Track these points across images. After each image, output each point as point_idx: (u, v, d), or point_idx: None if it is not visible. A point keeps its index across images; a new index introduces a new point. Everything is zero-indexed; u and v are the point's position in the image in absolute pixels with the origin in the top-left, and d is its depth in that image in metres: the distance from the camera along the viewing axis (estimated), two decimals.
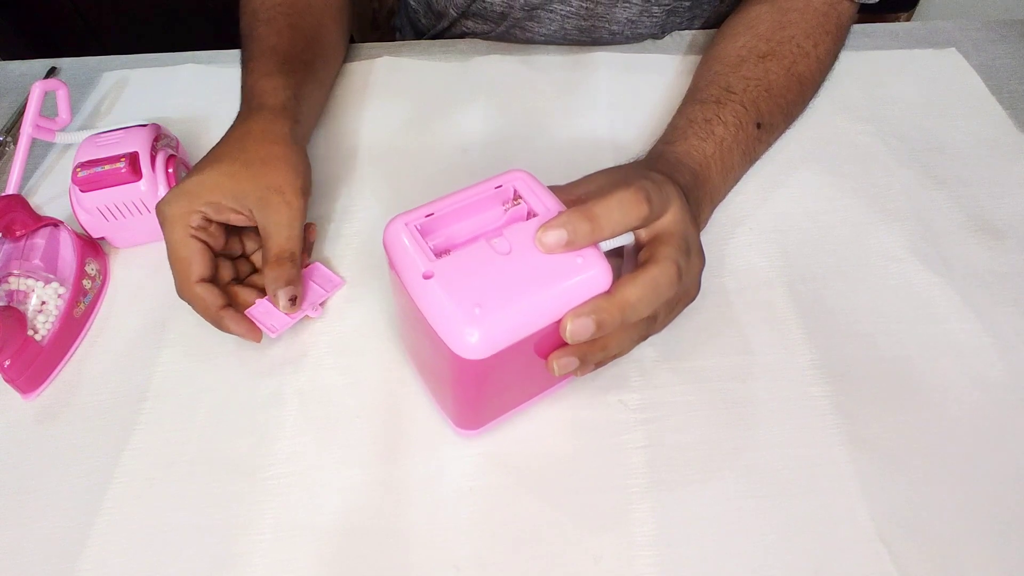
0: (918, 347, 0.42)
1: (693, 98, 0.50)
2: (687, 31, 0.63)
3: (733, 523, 0.36)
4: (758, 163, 0.51)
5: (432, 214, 0.33)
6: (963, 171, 0.51)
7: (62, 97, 0.54)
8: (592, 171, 0.39)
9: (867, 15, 0.56)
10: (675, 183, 0.38)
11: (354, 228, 0.49)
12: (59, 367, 0.43)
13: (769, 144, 0.51)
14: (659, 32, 0.62)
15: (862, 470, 0.37)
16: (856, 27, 0.57)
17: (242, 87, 0.49)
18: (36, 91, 0.52)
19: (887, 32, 0.63)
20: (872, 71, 0.58)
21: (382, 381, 0.41)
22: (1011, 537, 0.35)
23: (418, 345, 0.37)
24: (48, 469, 0.39)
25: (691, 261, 0.36)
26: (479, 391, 0.35)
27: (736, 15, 0.55)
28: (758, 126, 0.48)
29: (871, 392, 0.40)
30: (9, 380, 0.40)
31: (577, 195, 0.36)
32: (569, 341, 0.32)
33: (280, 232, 0.42)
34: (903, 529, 0.35)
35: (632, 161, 0.45)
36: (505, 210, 0.34)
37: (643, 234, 0.36)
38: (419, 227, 0.33)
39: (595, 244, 0.32)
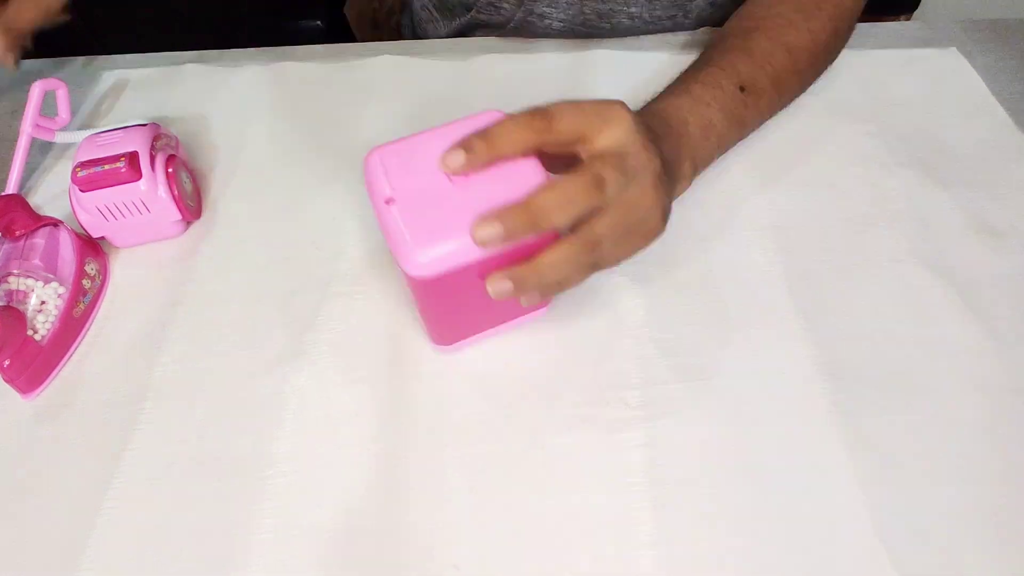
0: (918, 347, 0.42)
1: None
2: (688, 31, 0.63)
3: (733, 523, 0.36)
4: (758, 162, 0.51)
5: (405, 144, 0.36)
6: (964, 172, 0.51)
7: (62, 97, 0.54)
8: None
9: (867, 15, 0.56)
10: (628, 110, 0.37)
11: (353, 225, 0.49)
12: (59, 367, 0.43)
13: (760, 112, 0.50)
14: (681, 15, 0.62)
15: (862, 470, 0.37)
16: (857, 27, 0.57)
17: None
18: (36, 90, 0.52)
19: (888, 32, 0.63)
20: (872, 71, 0.58)
21: (382, 380, 0.41)
22: (1011, 537, 0.35)
23: None
24: (48, 469, 0.39)
25: (632, 181, 0.35)
26: (438, 306, 0.38)
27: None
28: (741, 89, 0.47)
29: (871, 392, 0.40)
30: (9, 380, 0.40)
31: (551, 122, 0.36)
32: (478, 244, 0.33)
33: None
34: (903, 529, 0.35)
35: None
36: None
37: (583, 154, 0.36)
38: (392, 156, 0.36)
39: (545, 175, 0.35)
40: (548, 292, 0.37)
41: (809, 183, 0.51)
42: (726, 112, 0.47)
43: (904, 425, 0.39)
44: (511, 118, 0.35)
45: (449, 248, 0.33)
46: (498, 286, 0.34)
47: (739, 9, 0.55)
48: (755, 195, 0.50)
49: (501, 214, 0.33)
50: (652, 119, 0.42)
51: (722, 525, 0.36)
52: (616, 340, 0.42)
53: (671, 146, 0.42)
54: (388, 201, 0.34)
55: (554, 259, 0.35)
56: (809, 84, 0.53)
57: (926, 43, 0.61)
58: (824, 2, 0.52)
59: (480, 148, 0.34)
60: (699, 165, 0.46)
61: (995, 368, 0.41)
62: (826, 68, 0.54)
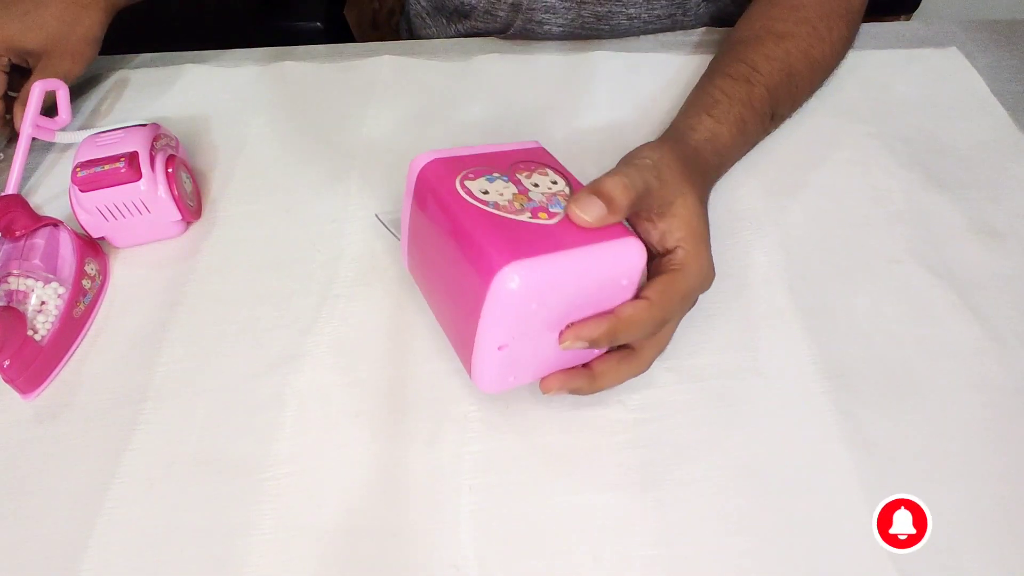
0: (918, 348, 0.42)
1: (723, 72, 0.49)
2: (693, 30, 0.63)
3: (733, 523, 0.36)
4: (760, 162, 0.51)
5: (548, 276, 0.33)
6: (964, 172, 0.51)
7: (62, 97, 0.54)
8: (592, 171, 0.39)
9: (868, 15, 0.56)
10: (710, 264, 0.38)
11: (354, 227, 0.49)
12: (59, 367, 0.43)
13: (769, 133, 0.51)
14: (680, 13, 0.62)
15: (862, 470, 0.37)
16: None
17: None
18: (36, 90, 0.52)
19: (889, 32, 0.63)
20: (873, 71, 0.58)
21: (382, 381, 0.41)
22: (1011, 537, 0.35)
23: (439, 291, 0.39)
24: (48, 469, 0.39)
25: (686, 307, 0.38)
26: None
27: (751, 4, 0.56)
28: (772, 117, 0.49)
29: (871, 392, 0.40)
30: (9, 380, 0.40)
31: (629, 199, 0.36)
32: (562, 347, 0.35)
33: None
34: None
35: (673, 143, 0.42)
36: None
37: (659, 249, 0.38)
38: (534, 287, 0.32)
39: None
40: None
41: (809, 183, 0.51)
42: (755, 143, 0.49)
43: (904, 425, 0.39)
44: (638, 314, 0.35)
45: (519, 383, 0.36)
46: (554, 391, 0.37)
47: (763, 5, 0.54)
48: (756, 196, 0.50)
49: (573, 385, 0.37)
50: (711, 166, 0.44)
51: (722, 526, 0.36)
52: None
53: (707, 183, 0.44)
54: (501, 347, 0.33)
55: (612, 377, 0.38)
56: (815, 92, 0.54)
57: (926, 43, 0.61)
58: (840, 6, 0.52)
59: (605, 343, 0.35)
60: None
61: (995, 368, 0.41)
62: (831, 76, 0.55)
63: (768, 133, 0.51)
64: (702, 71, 0.57)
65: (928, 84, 0.57)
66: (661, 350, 0.38)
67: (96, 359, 0.43)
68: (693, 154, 0.43)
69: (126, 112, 0.59)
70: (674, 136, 0.44)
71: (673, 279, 0.36)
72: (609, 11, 0.61)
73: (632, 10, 0.61)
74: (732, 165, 0.48)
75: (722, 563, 0.35)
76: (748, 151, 0.49)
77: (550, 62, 0.60)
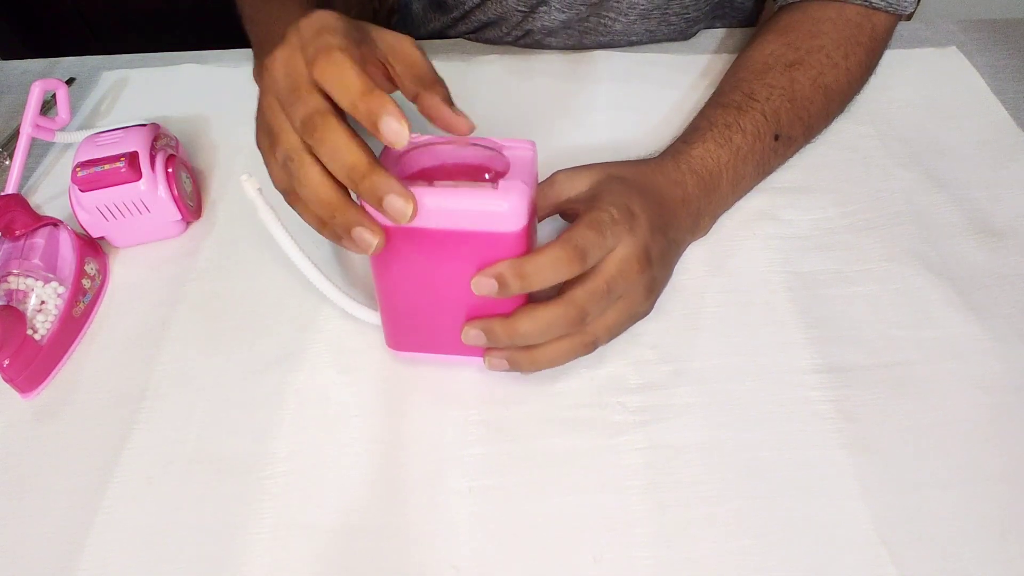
0: (918, 349, 0.42)
1: (716, 102, 0.49)
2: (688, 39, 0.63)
3: (733, 524, 0.36)
4: None
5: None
6: (964, 172, 0.51)
7: (62, 97, 0.54)
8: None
9: None
10: (647, 213, 0.38)
11: None
12: (58, 366, 0.43)
13: (786, 157, 0.50)
14: (681, 39, 0.63)
15: (862, 471, 0.37)
16: None
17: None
18: (36, 90, 0.52)
19: None
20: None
21: (381, 380, 0.41)
22: (1011, 538, 0.35)
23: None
24: (47, 468, 0.39)
25: (624, 261, 0.36)
26: (385, 284, 0.37)
27: (768, 22, 0.55)
28: (776, 138, 0.47)
29: (871, 393, 0.40)
30: (8, 379, 0.40)
31: (557, 202, 0.40)
32: (474, 291, 0.34)
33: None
34: (903, 530, 0.35)
35: (639, 160, 0.44)
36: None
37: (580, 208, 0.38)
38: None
39: (530, 197, 0.34)
40: (528, 366, 0.38)
41: (809, 184, 0.51)
42: (758, 164, 0.47)
43: (904, 425, 0.39)
44: (547, 256, 0.34)
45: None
46: (471, 333, 0.37)
47: (778, 25, 0.53)
48: (755, 197, 0.50)
49: (495, 272, 0.34)
50: (687, 177, 0.44)
51: (722, 528, 0.36)
52: (614, 344, 0.42)
53: (696, 208, 0.44)
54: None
55: (535, 332, 0.36)
56: (834, 119, 0.53)
57: (926, 43, 0.61)
58: (861, 34, 0.51)
59: (514, 285, 0.34)
60: (720, 215, 0.47)
61: (995, 368, 0.41)
62: (852, 101, 0.53)
63: (780, 154, 0.49)
64: (703, 70, 0.57)
65: (928, 84, 0.57)
66: (600, 300, 0.36)
67: (95, 358, 0.43)
68: (658, 165, 0.44)
69: (126, 112, 0.59)
70: (632, 166, 0.44)
71: (579, 221, 0.36)
72: (611, 40, 0.61)
73: (635, 38, 0.61)
74: (733, 179, 0.46)
75: (722, 564, 0.34)
76: (753, 170, 0.48)
77: (551, 62, 0.61)
